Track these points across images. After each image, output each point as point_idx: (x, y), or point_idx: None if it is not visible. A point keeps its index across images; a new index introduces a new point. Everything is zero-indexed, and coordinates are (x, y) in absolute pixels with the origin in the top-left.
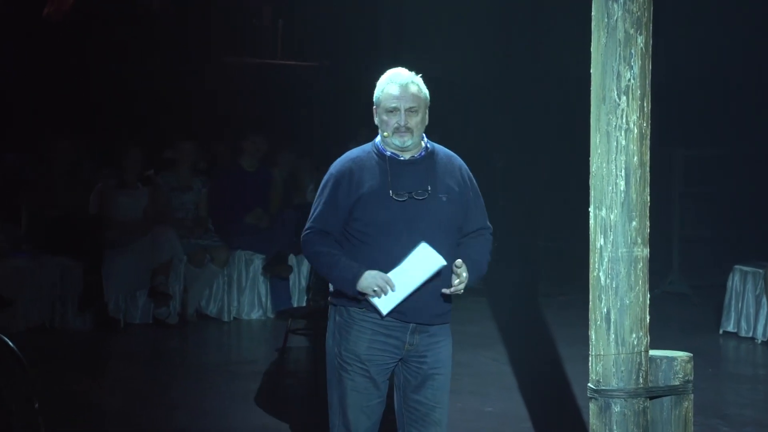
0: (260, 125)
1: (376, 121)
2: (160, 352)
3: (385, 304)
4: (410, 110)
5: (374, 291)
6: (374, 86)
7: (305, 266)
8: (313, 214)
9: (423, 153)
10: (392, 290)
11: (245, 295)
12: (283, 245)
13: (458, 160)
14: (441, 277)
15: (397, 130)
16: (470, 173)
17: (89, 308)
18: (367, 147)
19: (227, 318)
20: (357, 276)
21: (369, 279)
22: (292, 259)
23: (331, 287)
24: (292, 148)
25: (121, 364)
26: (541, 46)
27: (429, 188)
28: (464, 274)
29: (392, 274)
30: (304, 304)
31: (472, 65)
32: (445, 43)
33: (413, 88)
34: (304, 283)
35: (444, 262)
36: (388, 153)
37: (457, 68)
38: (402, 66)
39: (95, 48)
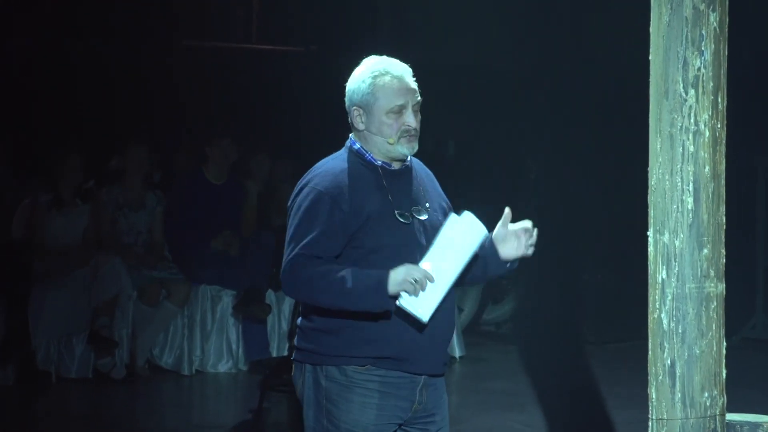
0: (230, 125)
1: (361, 125)
2: (101, 415)
3: (423, 305)
4: (416, 107)
5: (413, 285)
6: None
7: (287, 304)
8: (301, 241)
9: (408, 162)
10: (431, 282)
11: (211, 341)
12: (258, 278)
13: (427, 168)
14: (448, 314)
15: (406, 135)
16: None
17: (11, 358)
18: (344, 156)
19: (188, 371)
20: (384, 278)
21: (402, 273)
22: (270, 296)
23: (299, 340)
24: (269, 154)
25: (52, 430)
26: (585, 25)
27: (427, 204)
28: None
29: (427, 259)
30: (285, 353)
31: (498, 51)
32: (461, 23)
33: (412, 81)
34: (285, 326)
35: (486, 231)
36: (379, 162)
37: (478, 56)
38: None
39: (20, 15)
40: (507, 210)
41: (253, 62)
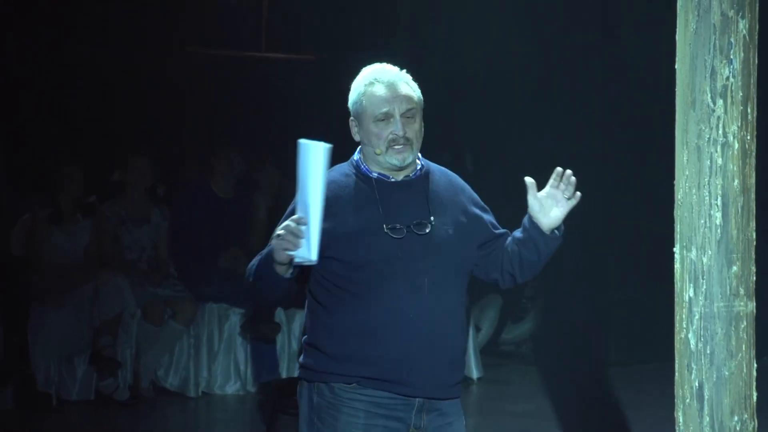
0: (237, 135)
1: (357, 136)
2: None
3: (308, 248)
4: (407, 115)
5: (287, 239)
6: None
7: (297, 323)
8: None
9: (418, 172)
10: (304, 224)
11: (218, 362)
12: None
13: (459, 179)
14: (451, 335)
15: (393, 144)
16: (475, 195)
17: (10, 380)
18: (343, 168)
19: (194, 392)
20: (270, 248)
21: (276, 232)
22: (279, 315)
23: (300, 356)
24: (278, 164)
25: None
26: (610, 34)
27: (432, 218)
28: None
29: (297, 209)
30: (296, 374)
31: (518, 59)
32: (481, 31)
33: (405, 88)
34: (295, 346)
35: (328, 144)
36: (374, 174)
37: (498, 63)
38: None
39: (17, 19)
40: (528, 179)
41: (262, 71)
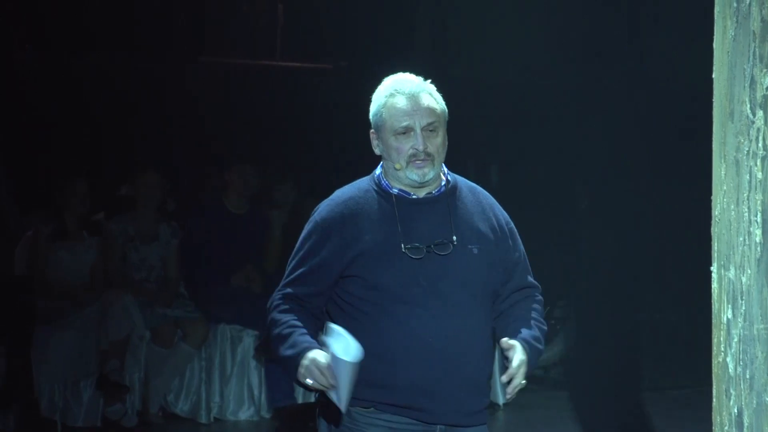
0: (252, 149)
1: (377, 149)
2: None
3: (335, 396)
4: (428, 128)
5: (311, 384)
6: None
7: None
8: (288, 276)
9: (442, 188)
10: (333, 380)
11: (231, 386)
12: None
13: (488, 197)
14: (473, 360)
15: (413, 159)
16: (506, 214)
17: (13, 405)
18: (363, 183)
19: (205, 418)
20: (300, 356)
21: (306, 365)
22: None
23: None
24: (295, 180)
25: None
26: (642, 41)
27: (454, 237)
28: (521, 357)
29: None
30: (313, 400)
31: (545, 68)
32: (506, 38)
33: (427, 99)
34: None
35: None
36: (395, 190)
37: (524, 72)
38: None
39: (23, 28)
40: (505, 339)
41: (277, 80)
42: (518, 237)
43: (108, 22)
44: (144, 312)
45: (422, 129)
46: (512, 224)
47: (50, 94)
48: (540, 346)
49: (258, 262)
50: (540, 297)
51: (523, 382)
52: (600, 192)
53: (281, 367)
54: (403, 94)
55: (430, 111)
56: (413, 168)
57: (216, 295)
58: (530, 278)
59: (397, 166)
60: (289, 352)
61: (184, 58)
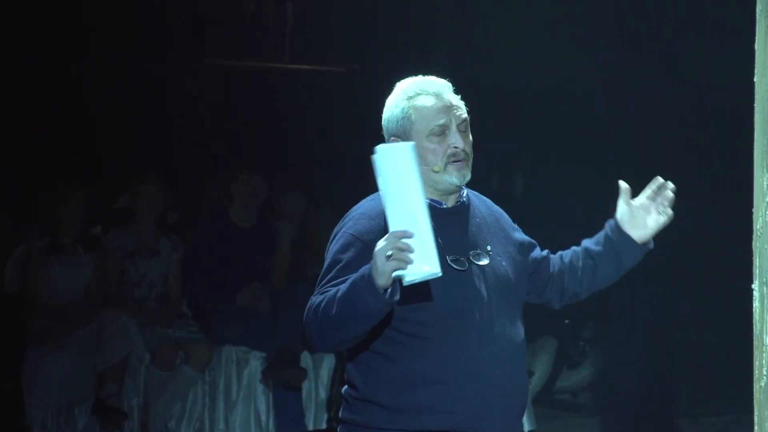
0: (259, 157)
1: None
2: None
3: (425, 261)
4: (461, 128)
5: (396, 259)
6: None
7: (325, 369)
8: (322, 282)
9: (465, 197)
10: (410, 237)
11: (236, 412)
12: (291, 338)
13: (494, 204)
14: (521, 378)
15: (453, 159)
16: (507, 215)
17: (3, 431)
18: None
19: None
20: (366, 272)
21: (379, 251)
22: (305, 359)
23: (344, 411)
24: (304, 189)
25: None
26: (679, 44)
27: (489, 247)
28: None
29: (392, 223)
30: (324, 426)
31: (573, 73)
32: (531, 40)
33: (453, 97)
34: (323, 394)
35: (411, 142)
36: (426, 200)
37: (551, 77)
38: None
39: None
40: (623, 183)
41: (286, 84)
42: (521, 230)
43: (100, 25)
44: (143, 332)
45: (458, 125)
46: (513, 222)
47: (49, 96)
48: None
49: (265, 279)
50: None
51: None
52: None
53: (349, 315)
54: (430, 94)
55: (461, 108)
56: (453, 170)
57: (220, 315)
58: None
59: (436, 168)
60: (355, 282)
61: (186, 60)
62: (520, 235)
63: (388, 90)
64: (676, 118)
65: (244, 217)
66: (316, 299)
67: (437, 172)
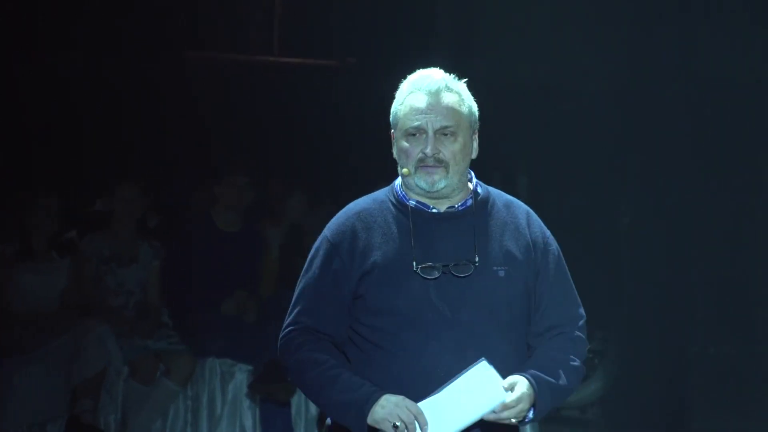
0: (246, 156)
1: (395, 152)
2: None
3: None
4: (443, 132)
5: (396, 427)
6: None
7: None
8: (297, 302)
9: (469, 202)
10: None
11: (221, 428)
12: None
13: (527, 213)
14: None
15: (421, 164)
16: (547, 232)
17: None
18: (380, 195)
19: None
20: (370, 399)
21: (389, 406)
22: None
23: (329, 420)
24: (293, 190)
25: None
26: (695, 36)
27: (476, 257)
28: (522, 391)
29: (426, 405)
30: None
31: (581, 68)
32: (536, 34)
33: (449, 98)
34: (313, 410)
35: (503, 396)
36: (412, 202)
37: (557, 73)
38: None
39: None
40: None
41: (274, 78)
42: (562, 261)
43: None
44: (121, 344)
45: (435, 131)
46: (555, 245)
47: (25, 95)
48: (561, 383)
49: (252, 288)
50: (578, 334)
51: (513, 420)
52: (644, 207)
53: (329, 412)
54: (423, 91)
55: (450, 112)
56: (422, 174)
57: (204, 325)
58: (577, 309)
59: (405, 171)
60: (347, 396)
61: (168, 54)
62: (540, 257)
63: (386, 86)
64: (691, 117)
65: (228, 221)
66: (297, 350)
67: (407, 175)
